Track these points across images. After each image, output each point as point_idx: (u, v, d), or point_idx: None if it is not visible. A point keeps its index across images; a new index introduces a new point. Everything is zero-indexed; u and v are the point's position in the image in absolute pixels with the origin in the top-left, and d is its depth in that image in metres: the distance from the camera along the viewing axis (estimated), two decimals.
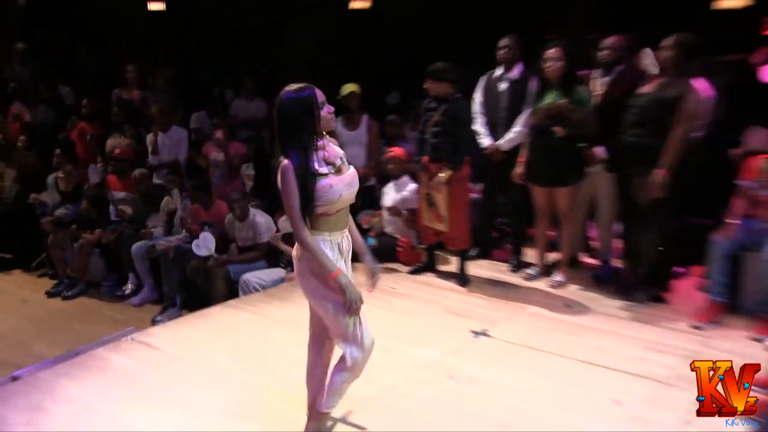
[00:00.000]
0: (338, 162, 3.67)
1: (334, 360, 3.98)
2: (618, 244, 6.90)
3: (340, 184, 3.62)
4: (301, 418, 4.17)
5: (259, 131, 10.18)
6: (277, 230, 7.54)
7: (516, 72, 6.84)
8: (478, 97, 6.92)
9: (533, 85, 6.53)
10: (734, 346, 5.46)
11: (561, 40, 6.36)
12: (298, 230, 3.52)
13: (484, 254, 7.34)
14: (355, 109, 8.17)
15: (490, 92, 6.89)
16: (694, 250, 6.33)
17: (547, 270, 6.83)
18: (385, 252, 7.19)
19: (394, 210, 7.22)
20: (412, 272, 6.98)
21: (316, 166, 3.53)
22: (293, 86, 3.59)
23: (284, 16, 11.76)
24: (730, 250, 5.90)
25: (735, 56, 7.73)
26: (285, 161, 3.46)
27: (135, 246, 8.10)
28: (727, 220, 5.99)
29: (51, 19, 13.63)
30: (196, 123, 10.43)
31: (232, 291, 7.14)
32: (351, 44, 11.60)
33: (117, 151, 9.10)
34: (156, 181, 9.02)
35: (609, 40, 6.52)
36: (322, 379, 4.00)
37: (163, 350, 5.40)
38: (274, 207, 7.70)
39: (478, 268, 6.98)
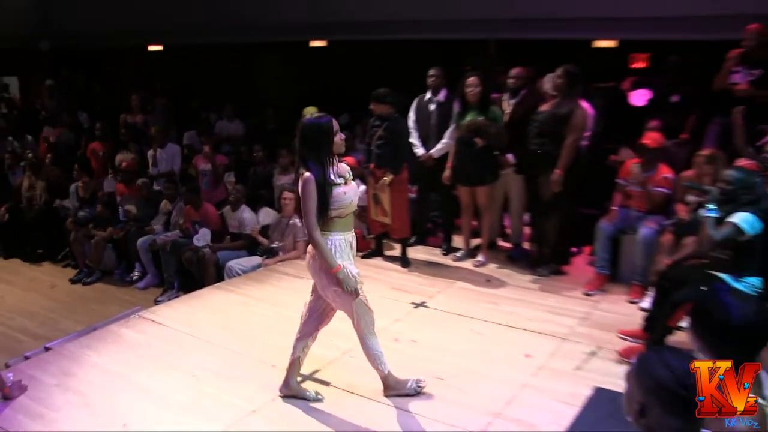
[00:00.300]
0: (347, 175, 3.75)
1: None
2: (527, 230, 6.95)
3: (351, 192, 3.73)
4: (281, 377, 4.10)
5: (238, 146, 10.17)
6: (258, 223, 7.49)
7: (442, 96, 6.81)
8: (412, 115, 6.87)
9: (455, 106, 6.52)
10: (616, 307, 5.54)
11: (478, 70, 6.36)
12: (312, 230, 3.59)
13: (421, 241, 7.29)
14: None
15: (422, 112, 6.85)
16: (585, 233, 6.34)
17: (471, 252, 6.78)
18: None
19: None
20: (364, 257, 6.90)
21: (332, 177, 3.61)
22: (315, 114, 3.76)
23: (256, 53, 11.69)
24: (612, 233, 5.94)
25: (609, 84, 7.81)
26: (307, 173, 3.53)
27: (140, 240, 8.00)
28: (610, 209, 6.05)
29: (72, 60, 13.52)
30: (188, 140, 10.48)
31: (219, 276, 7.01)
32: (310, 75, 11.56)
33: (124, 164, 9.00)
34: (155, 188, 8.92)
35: (514, 71, 6.57)
36: (309, 345, 4.07)
37: (165, 325, 5.27)
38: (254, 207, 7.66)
39: (416, 253, 6.93)
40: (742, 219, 4.18)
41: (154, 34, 12.48)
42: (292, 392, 4.07)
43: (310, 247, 3.75)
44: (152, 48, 13.12)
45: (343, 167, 3.76)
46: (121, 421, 3.83)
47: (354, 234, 3.83)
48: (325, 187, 3.54)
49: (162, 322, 5.32)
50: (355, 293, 3.69)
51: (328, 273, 3.65)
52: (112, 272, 8.49)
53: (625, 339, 4.77)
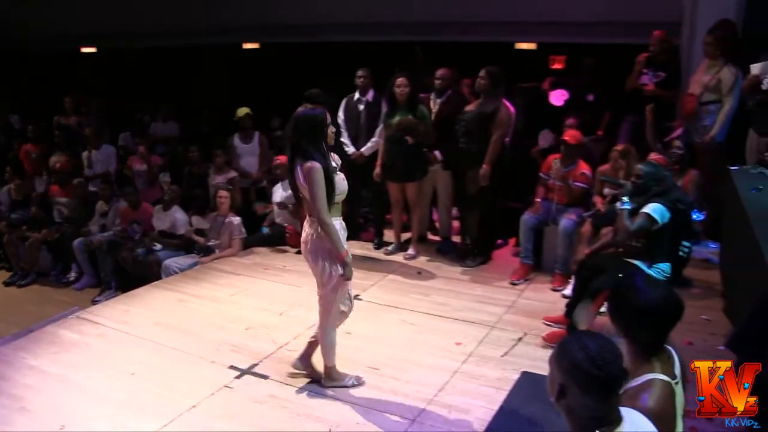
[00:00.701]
0: (338, 164, 3.81)
1: None
2: (455, 223, 7.01)
3: (342, 179, 3.77)
4: (220, 372, 4.05)
5: (174, 147, 9.95)
6: (191, 225, 7.34)
7: (370, 96, 6.80)
8: (341, 115, 6.84)
9: (383, 105, 6.51)
10: (540, 296, 5.63)
11: (406, 71, 6.38)
12: (324, 216, 3.59)
13: (354, 236, 7.22)
14: (249, 127, 8.16)
15: (351, 111, 6.83)
16: (510, 225, 6.43)
17: (402, 246, 6.80)
18: (276, 238, 7.15)
19: (282, 204, 7.09)
20: (298, 252, 6.82)
21: (333, 165, 3.70)
22: (309, 107, 3.83)
23: (190, 55, 11.51)
24: (535, 225, 6.01)
25: (529, 84, 7.94)
26: (311, 163, 3.55)
27: (76, 241, 7.73)
28: (533, 202, 6.15)
29: (4, 63, 12.95)
30: (123, 141, 10.18)
31: (157, 274, 6.84)
32: (244, 77, 11.45)
33: (57, 165, 8.71)
34: (91, 189, 8.61)
35: (440, 72, 6.57)
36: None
37: (103, 324, 5.11)
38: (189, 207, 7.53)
39: (349, 247, 6.86)
40: (653, 209, 4.34)
41: (87, 36, 12.15)
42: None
43: (307, 228, 3.77)
44: (85, 50, 12.76)
45: (335, 156, 3.84)
46: (59, 422, 3.70)
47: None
48: (330, 175, 3.61)
49: (100, 321, 5.16)
50: (348, 279, 3.79)
51: (327, 255, 3.71)
52: (47, 274, 8.17)
53: (549, 325, 4.88)
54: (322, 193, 3.57)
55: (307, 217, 3.80)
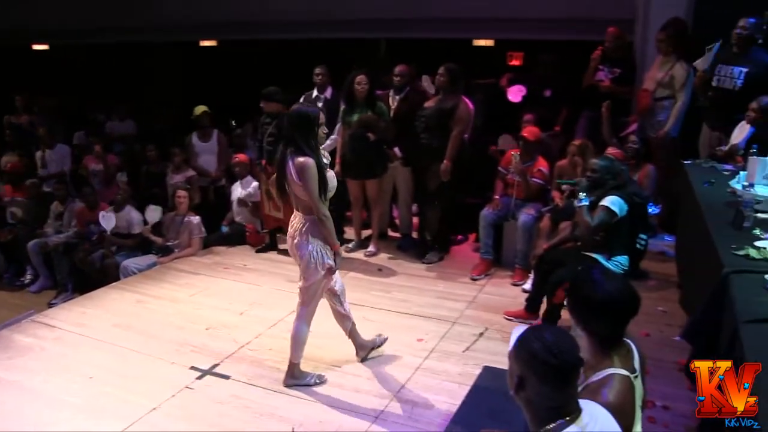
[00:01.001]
0: (329, 160, 4.01)
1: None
2: (415, 220, 7.02)
3: (333, 176, 3.91)
4: (180, 372, 4.00)
5: (130, 145, 9.78)
6: (146, 223, 7.21)
7: (328, 93, 6.81)
8: None
9: (341, 103, 6.49)
10: (501, 290, 5.69)
11: (365, 68, 6.37)
12: (320, 208, 3.74)
13: None
14: (207, 125, 8.04)
15: None
16: (470, 221, 6.48)
17: (362, 243, 6.79)
18: (236, 236, 7.09)
19: (242, 203, 7.05)
20: (258, 251, 6.82)
21: (325, 161, 3.85)
22: (304, 105, 4.25)
23: (146, 52, 11.34)
24: (494, 220, 6.06)
25: (488, 80, 8.00)
26: (303, 158, 3.68)
27: (30, 243, 7.54)
28: (492, 198, 6.19)
29: None
30: (77, 140, 9.99)
31: (116, 276, 6.69)
32: (201, 74, 11.33)
33: (9, 165, 8.56)
34: (46, 189, 8.45)
35: (398, 68, 6.56)
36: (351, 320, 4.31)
37: (60, 327, 5.02)
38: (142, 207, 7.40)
39: None
40: (612, 202, 4.40)
41: (39, 33, 11.85)
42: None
43: (296, 223, 3.88)
44: (37, 47, 12.46)
45: (326, 153, 4.01)
46: (15, 428, 3.63)
47: None
48: (323, 171, 3.73)
49: (56, 325, 5.07)
50: (333, 271, 3.95)
51: (315, 248, 3.79)
52: (1, 277, 7.97)
53: (509, 319, 4.93)
54: (316, 186, 3.70)
55: (295, 212, 3.91)
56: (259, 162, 6.57)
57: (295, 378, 4.06)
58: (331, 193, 3.86)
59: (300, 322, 3.99)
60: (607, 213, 4.39)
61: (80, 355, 4.52)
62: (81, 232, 7.39)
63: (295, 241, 3.86)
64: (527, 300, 4.90)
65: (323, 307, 5.07)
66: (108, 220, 7.07)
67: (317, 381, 4.08)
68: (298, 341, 4.01)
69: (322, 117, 3.82)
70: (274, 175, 5.83)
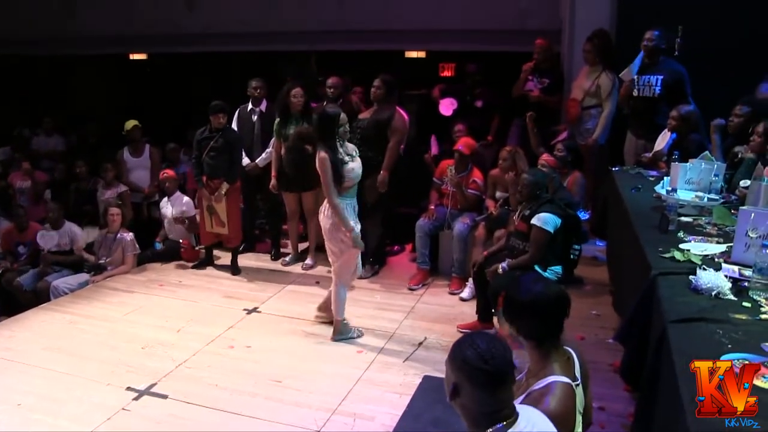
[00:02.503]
0: (354, 153, 4.72)
1: None
2: None
3: (357, 166, 4.67)
4: (115, 394, 3.90)
5: (58, 161, 9.42)
6: None
7: (263, 106, 6.77)
8: (234, 125, 6.75)
9: (275, 115, 6.46)
10: (438, 299, 5.74)
11: (299, 81, 6.37)
12: (332, 197, 4.52)
13: (250, 248, 7.17)
14: (138, 139, 7.80)
15: (244, 122, 6.76)
16: (406, 231, 6.54)
17: (299, 256, 6.77)
18: (171, 252, 6.96)
19: (179, 219, 6.91)
20: (194, 267, 6.70)
21: (344, 156, 4.57)
22: (327, 107, 5.12)
23: (74, 66, 11.03)
24: (430, 230, 6.11)
25: (420, 91, 8.09)
26: (323, 153, 4.48)
27: None
28: (427, 208, 6.26)
29: None
30: (2, 156, 9.57)
31: (47, 298, 6.38)
32: (131, 88, 11.09)
33: None
34: None
35: (331, 80, 6.61)
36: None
37: None
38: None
39: (246, 260, 6.80)
40: (544, 222, 4.58)
41: None
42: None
43: (326, 210, 4.63)
44: None
45: (351, 147, 4.75)
46: None
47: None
48: (337, 164, 4.46)
49: None
50: (361, 247, 4.75)
51: (339, 230, 4.58)
52: None
53: (462, 332, 4.94)
54: (329, 178, 4.46)
55: (325, 202, 4.66)
56: (199, 177, 6.41)
57: (341, 333, 4.83)
58: (350, 183, 4.59)
59: (338, 286, 4.78)
60: (543, 234, 4.60)
61: (7, 382, 4.33)
62: (8, 254, 7.01)
63: (326, 227, 4.66)
64: (478, 311, 4.97)
65: (261, 321, 5.05)
66: (48, 239, 6.76)
67: (359, 334, 4.89)
68: (338, 301, 4.78)
69: (343, 117, 4.57)
70: (219, 190, 6.17)
